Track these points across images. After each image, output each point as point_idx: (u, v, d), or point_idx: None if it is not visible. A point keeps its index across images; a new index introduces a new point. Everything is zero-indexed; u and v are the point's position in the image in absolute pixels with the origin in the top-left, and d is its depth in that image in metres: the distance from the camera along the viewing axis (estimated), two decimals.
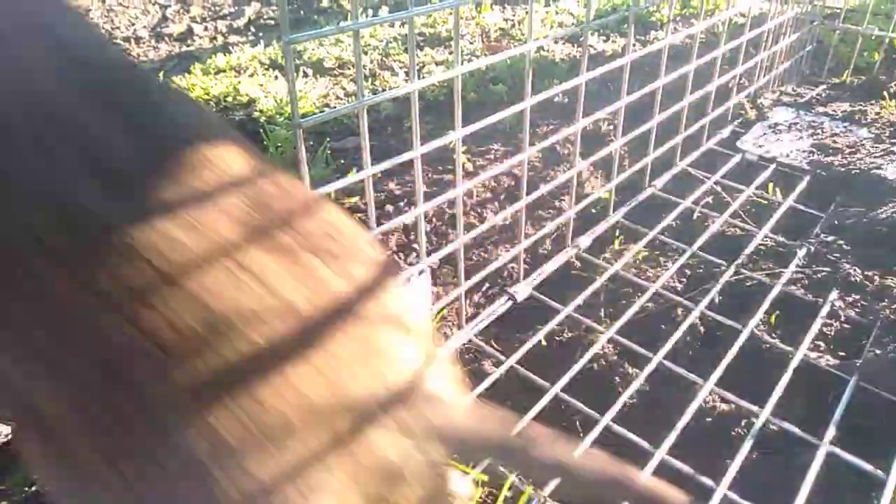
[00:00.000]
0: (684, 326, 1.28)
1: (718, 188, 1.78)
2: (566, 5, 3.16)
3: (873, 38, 2.44)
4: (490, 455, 0.86)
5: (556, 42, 2.74)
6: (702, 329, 1.31)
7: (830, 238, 1.54)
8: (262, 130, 2.11)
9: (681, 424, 1.07)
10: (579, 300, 1.36)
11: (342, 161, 1.97)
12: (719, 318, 1.30)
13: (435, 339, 0.67)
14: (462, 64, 2.61)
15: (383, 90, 2.41)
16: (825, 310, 1.32)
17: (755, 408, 1.11)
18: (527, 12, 1.26)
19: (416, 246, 1.55)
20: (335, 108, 2.30)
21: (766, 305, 1.33)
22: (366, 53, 2.75)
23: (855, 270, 1.41)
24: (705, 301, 1.34)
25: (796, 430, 1.07)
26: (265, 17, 3.82)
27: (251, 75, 2.60)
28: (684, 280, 1.46)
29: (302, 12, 3.81)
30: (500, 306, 1.37)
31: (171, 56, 3.32)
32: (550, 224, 1.54)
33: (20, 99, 0.52)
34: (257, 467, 0.46)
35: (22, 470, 1.05)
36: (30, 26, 0.57)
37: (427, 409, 0.55)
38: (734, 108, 2.11)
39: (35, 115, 0.51)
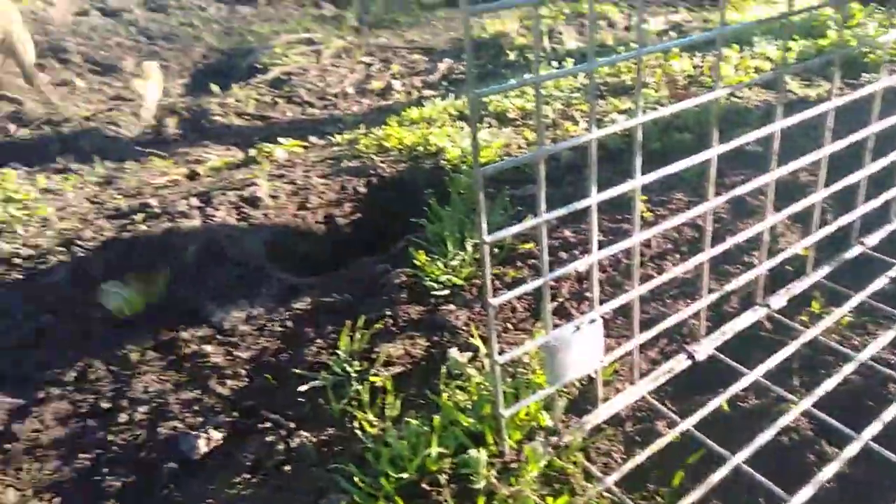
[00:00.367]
0: None
1: None
2: (764, 48, 2.98)
3: None
4: None
5: (749, 88, 2.59)
6: None
7: None
8: (447, 178, 2.23)
9: None
10: (769, 365, 1.25)
11: (520, 208, 2.01)
12: None
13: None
14: (645, 112, 2.57)
15: (564, 139, 2.43)
16: None
17: None
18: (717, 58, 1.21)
19: (589, 294, 1.53)
20: (516, 157, 2.36)
21: None
22: (548, 104, 2.80)
23: None
24: None
25: None
26: (456, 71, 4.05)
27: (440, 126, 2.76)
28: None
29: (490, 66, 3.98)
30: (678, 364, 1.30)
31: (371, 109, 3.63)
32: (738, 280, 1.44)
33: None
34: None
35: None
36: None
37: None
38: None
39: None
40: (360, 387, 1.35)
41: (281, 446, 1.27)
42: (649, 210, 1.84)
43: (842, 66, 2.63)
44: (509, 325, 1.51)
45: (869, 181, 1.51)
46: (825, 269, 1.51)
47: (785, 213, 1.41)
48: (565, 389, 1.29)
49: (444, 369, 1.34)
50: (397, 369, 1.42)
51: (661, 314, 1.49)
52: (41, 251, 2.09)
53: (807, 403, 1.14)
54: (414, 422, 1.19)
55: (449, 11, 5.38)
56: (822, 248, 1.54)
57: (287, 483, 1.19)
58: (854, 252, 1.56)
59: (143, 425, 1.38)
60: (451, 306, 1.59)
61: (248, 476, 1.23)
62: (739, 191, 1.26)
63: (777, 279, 1.50)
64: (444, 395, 1.25)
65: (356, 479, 1.11)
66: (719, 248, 1.27)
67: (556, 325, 1.10)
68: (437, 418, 1.18)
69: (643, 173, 1.09)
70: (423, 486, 1.11)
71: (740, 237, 1.32)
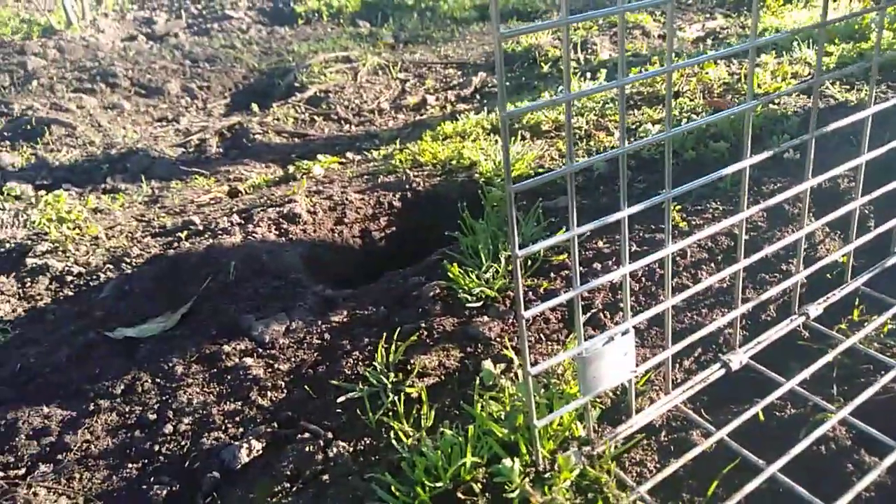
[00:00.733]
0: None
1: None
2: (803, 53, 2.94)
3: None
4: None
5: (788, 95, 2.55)
6: None
7: None
8: (480, 191, 2.25)
9: None
10: (806, 374, 1.23)
11: (553, 219, 2.02)
12: None
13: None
14: (681, 123, 2.54)
15: (597, 150, 2.43)
16: None
17: None
18: (755, 65, 1.21)
19: (622, 305, 1.53)
20: (549, 169, 2.37)
21: None
22: (581, 115, 2.80)
23: None
24: None
25: None
26: (489, 85, 4.08)
27: (473, 140, 2.79)
28: None
29: (523, 78, 4.00)
30: (713, 373, 1.29)
31: (406, 124, 3.69)
32: (774, 288, 1.42)
33: None
34: None
35: None
36: None
37: None
38: None
39: None
40: (395, 398, 1.37)
41: (319, 456, 1.30)
42: (684, 220, 1.83)
43: (884, 69, 2.58)
44: (542, 336, 1.52)
45: None
46: (865, 277, 1.48)
47: (822, 220, 1.39)
48: (598, 399, 1.30)
49: (477, 380, 1.36)
50: (432, 380, 1.44)
51: (696, 324, 1.48)
52: (91, 269, 2.18)
53: (845, 412, 1.12)
54: (448, 432, 1.21)
55: (482, 26, 5.43)
56: (862, 256, 1.51)
57: (325, 492, 1.22)
58: (895, 259, 1.53)
59: (187, 436, 1.43)
60: (485, 318, 1.61)
61: (288, 485, 1.26)
62: (773, 200, 1.25)
63: (817, 287, 1.48)
64: (478, 406, 1.26)
65: (392, 488, 1.14)
66: (754, 258, 1.26)
67: (589, 336, 1.11)
68: (471, 428, 1.19)
69: (679, 183, 1.09)
70: (458, 495, 1.12)
71: (775, 246, 1.31)
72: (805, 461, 1.07)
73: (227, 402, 1.51)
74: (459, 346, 1.53)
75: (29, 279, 2.16)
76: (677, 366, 1.39)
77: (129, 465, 1.38)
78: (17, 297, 2.09)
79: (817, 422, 1.13)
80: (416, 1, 6.10)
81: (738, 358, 1.30)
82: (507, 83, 3.91)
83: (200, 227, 2.35)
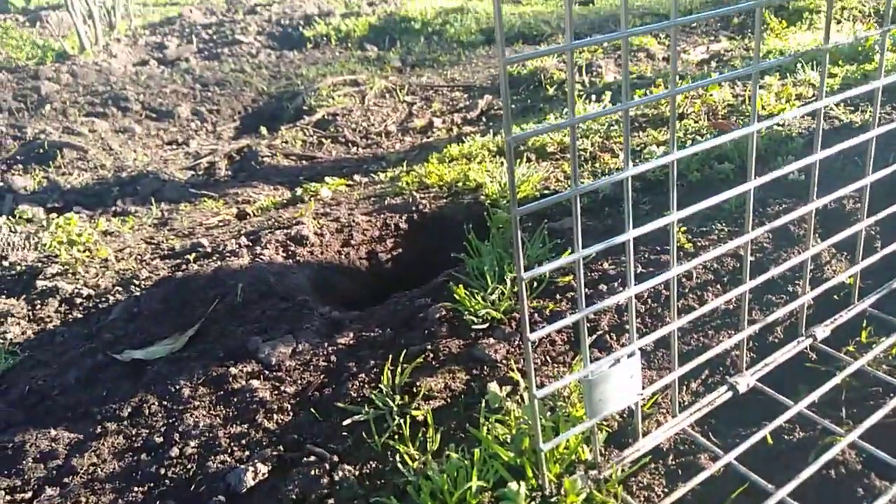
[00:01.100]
0: None
1: None
2: (807, 75, 2.95)
3: None
4: None
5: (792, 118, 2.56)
6: None
7: None
8: (486, 213, 2.26)
9: None
10: (813, 396, 1.22)
11: (559, 241, 2.02)
12: None
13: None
14: (686, 145, 2.55)
15: (603, 172, 2.44)
16: None
17: None
18: (759, 87, 1.22)
19: (629, 327, 1.53)
20: (555, 191, 2.38)
21: None
22: (587, 137, 2.82)
23: None
24: None
25: None
26: (495, 107, 4.12)
27: (479, 162, 2.81)
28: None
29: (529, 101, 4.04)
30: (720, 396, 1.29)
31: (413, 147, 3.72)
32: (781, 310, 1.42)
33: None
34: None
35: None
36: None
37: None
38: None
39: None
40: (401, 420, 1.37)
41: (325, 479, 1.30)
42: (689, 241, 1.83)
43: (888, 91, 2.58)
44: (548, 358, 1.52)
45: None
46: (872, 299, 1.48)
47: (828, 242, 1.39)
48: (605, 422, 1.29)
49: (483, 403, 1.35)
50: (438, 403, 1.44)
51: (703, 346, 1.48)
52: (100, 291, 2.20)
53: (854, 435, 1.12)
54: (454, 455, 1.20)
55: (488, 49, 5.49)
56: (869, 277, 1.50)
57: None
58: None
59: (193, 459, 1.43)
60: (491, 340, 1.61)
61: None
62: (779, 221, 1.25)
63: (824, 309, 1.48)
64: (484, 429, 1.26)
65: None
66: (760, 279, 1.26)
67: (595, 358, 1.11)
68: (476, 452, 1.19)
69: (684, 204, 1.10)
70: None
71: (781, 268, 1.31)
72: (814, 485, 1.06)
73: (234, 425, 1.51)
74: (465, 369, 1.53)
75: (39, 301, 2.18)
76: (684, 388, 1.38)
77: (136, 489, 1.37)
78: (27, 319, 2.11)
79: (826, 445, 1.12)
80: (423, 25, 6.18)
81: (746, 380, 1.29)
82: (513, 105, 3.94)
83: (209, 250, 2.36)
